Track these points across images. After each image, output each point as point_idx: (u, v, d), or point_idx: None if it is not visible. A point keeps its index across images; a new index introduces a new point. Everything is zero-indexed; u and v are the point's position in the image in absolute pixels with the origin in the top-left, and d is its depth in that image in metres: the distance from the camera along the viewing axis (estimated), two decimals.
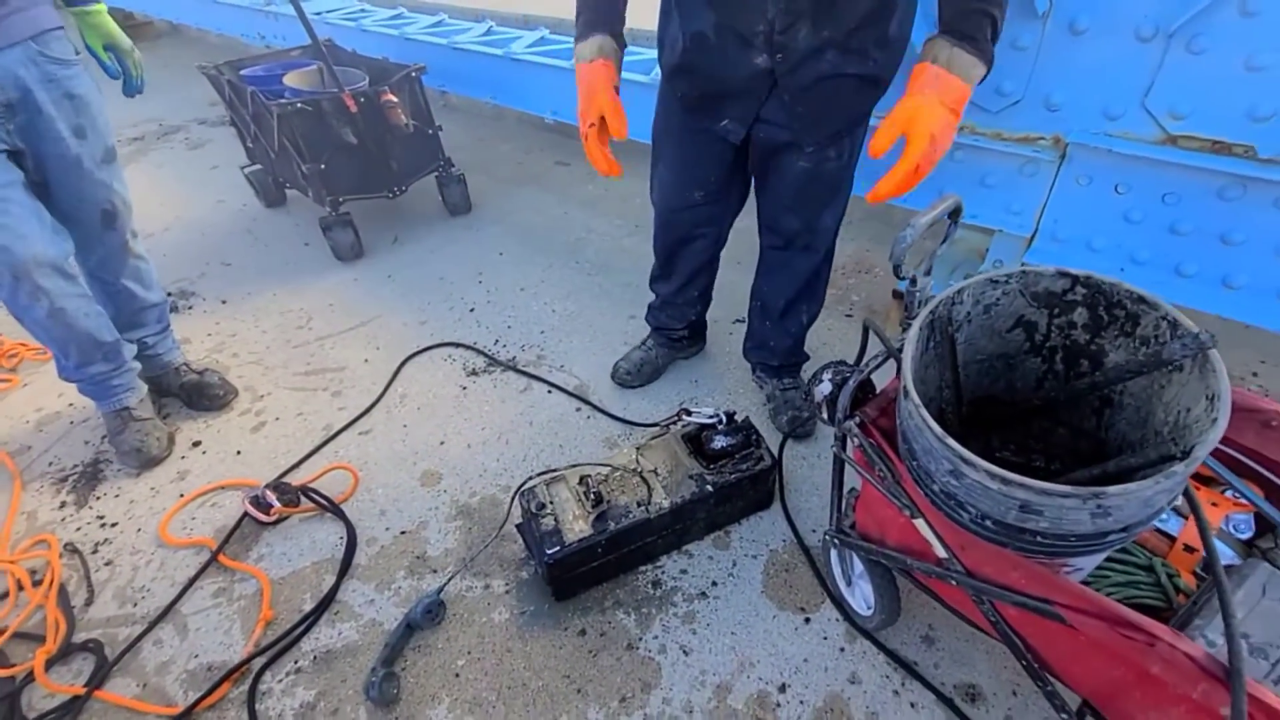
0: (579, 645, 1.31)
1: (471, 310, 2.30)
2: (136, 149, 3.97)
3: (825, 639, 1.28)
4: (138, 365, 1.84)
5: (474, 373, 2.02)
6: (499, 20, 3.11)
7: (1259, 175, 1.26)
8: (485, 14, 3.24)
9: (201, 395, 1.94)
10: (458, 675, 1.28)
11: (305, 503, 1.63)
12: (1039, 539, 0.75)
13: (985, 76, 1.08)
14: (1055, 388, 0.92)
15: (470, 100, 4.04)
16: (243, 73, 2.69)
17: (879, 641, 1.25)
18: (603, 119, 1.27)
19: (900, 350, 0.85)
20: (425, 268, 2.55)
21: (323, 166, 2.40)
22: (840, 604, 1.32)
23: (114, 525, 1.65)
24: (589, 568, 1.34)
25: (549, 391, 1.92)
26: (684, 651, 1.28)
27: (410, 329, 2.23)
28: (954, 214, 0.98)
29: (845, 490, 1.17)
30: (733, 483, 1.39)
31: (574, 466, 1.43)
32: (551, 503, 1.37)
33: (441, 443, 1.79)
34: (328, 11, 3.47)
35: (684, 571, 1.42)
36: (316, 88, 2.59)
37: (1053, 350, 0.91)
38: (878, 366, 0.99)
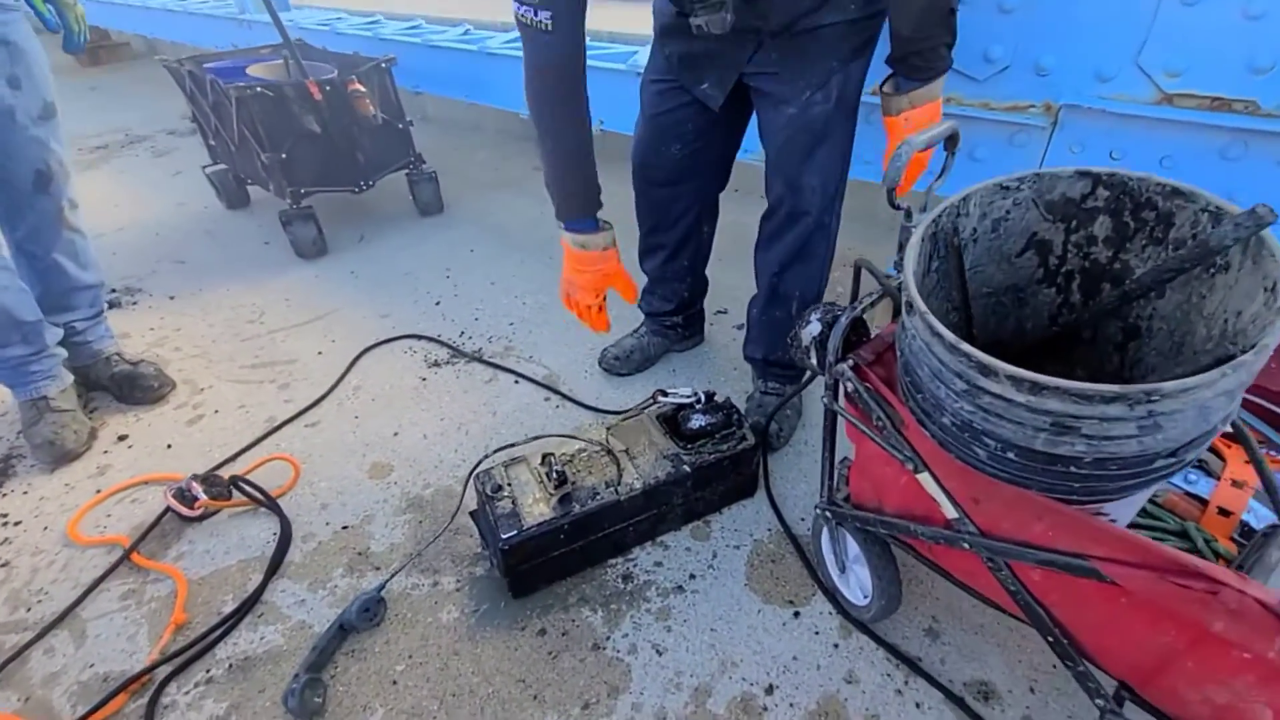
0: (537, 646, 1.14)
1: (437, 304, 2.16)
2: (99, 156, 3.84)
3: (817, 634, 1.13)
4: (62, 352, 1.68)
5: (435, 364, 1.87)
6: (476, 25, 3.08)
7: (1262, 128, 1.20)
8: (464, 21, 3.20)
9: (134, 387, 1.77)
10: (395, 682, 1.11)
11: (237, 496, 1.45)
12: (1072, 471, 0.63)
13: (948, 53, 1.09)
14: (1072, 318, 0.81)
15: (448, 110, 4.00)
16: (205, 66, 2.59)
17: (877, 635, 1.11)
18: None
19: (899, 286, 0.74)
20: (391, 264, 2.43)
21: (284, 156, 2.28)
22: (833, 595, 1.18)
23: (18, 524, 1.46)
24: (550, 558, 1.18)
25: (515, 382, 1.78)
26: (657, 651, 1.12)
27: (370, 322, 2.09)
28: (951, 142, 0.89)
29: (838, 460, 1.04)
30: (712, 463, 1.26)
31: (536, 439, 1.29)
32: (510, 484, 1.22)
33: (395, 434, 1.64)
34: (302, 19, 3.42)
35: (658, 564, 1.27)
36: (281, 79, 2.50)
37: (1069, 276, 0.80)
38: (872, 305, 0.88)
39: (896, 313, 0.95)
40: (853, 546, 1.08)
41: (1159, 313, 0.74)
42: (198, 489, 1.41)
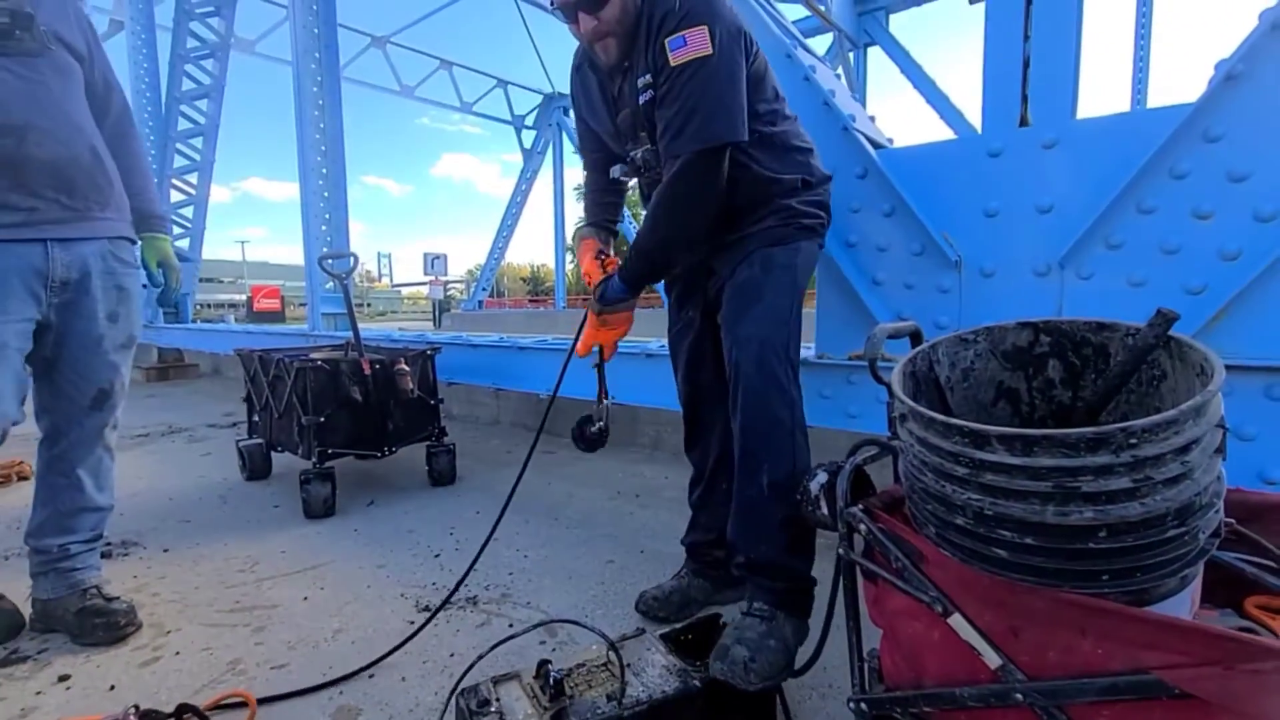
0: None
1: (436, 556, 2.12)
2: (138, 442, 4.12)
3: None
4: None
5: (426, 609, 1.76)
6: (507, 336, 3.65)
7: None
8: (498, 333, 3.81)
9: (99, 624, 1.63)
10: None
11: None
12: (1091, 548, 0.63)
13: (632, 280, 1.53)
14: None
15: (470, 409, 4.42)
16: (273, 352, 3.02)
17: None
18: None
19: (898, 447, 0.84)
20: (395, 523, 2.44)
21: (322, 420, 2.50)
22: None
23: None
24: None
25: (509, 625, 1.65)
26: None
27: (365, 572, 2.01)
28: (915, 337, 1.07)
29: (865, 651, 0.96)
30: (724, 682, 1.12)
31: (536, 625, 1.17)
32: (498, 700, 1.08)
33: (371, 676, 1.46)
34: (368, 334, 4.08)
35: None
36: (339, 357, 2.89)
37: (1042, 421, 0.89)
38: (872, 459, 0.94)
39: (897, 476, 1.00)
40: None
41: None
42: None
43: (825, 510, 0.92)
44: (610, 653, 1.18)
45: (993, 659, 0.74)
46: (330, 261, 2.94)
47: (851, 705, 0.92)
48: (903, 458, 0.82)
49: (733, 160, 1.39)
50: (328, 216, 4.57)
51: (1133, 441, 0.58)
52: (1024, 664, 0.72)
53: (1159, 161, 1.47)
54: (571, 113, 1.76)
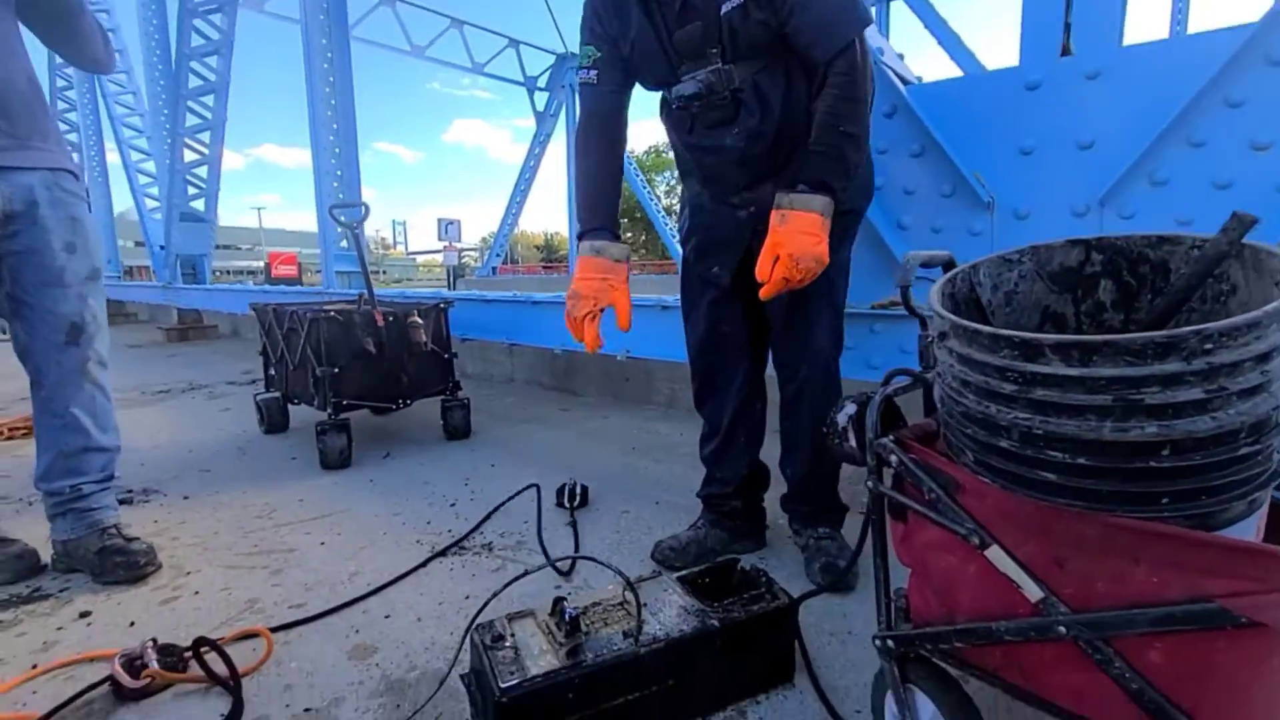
0: None
1: (452, 505, 2.11)
2: (159, 398, 4.17)
3: None
4: None
5: (441, 553, 1.76)
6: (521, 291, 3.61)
7: None
8: (513, 290, 3.77)
9: (120, 560, 1.64)
10: None
11: (194, 670, 1.25)
12: (1153, 468, 0.58)
13: (838, 192, 1.29)
14: None
15: (485, 368, 4.41)
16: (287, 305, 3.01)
17: None
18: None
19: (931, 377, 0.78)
20: (411, 474, 2.44)
21: (336, 371, 2.49)
22: None
23: None
24: None
25: (525, 571, 1.64)
26: None
27: (381, 519, 2.02)
28: (947, 267, 1.00)
29: (892, 590, 0.92)
30: (742, 623, 1.10)
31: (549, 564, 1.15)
32: (513, 635, 1.06)
33: (387, 616, 1.46)
34: (383, 293, 4.05)
35: None
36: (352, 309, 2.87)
37: None
38: (905, 389, 0.89)
39: (929, 409, 0.95)
40: (926, 709, 0.88)
41: None
42: (151, 655, 1.23)
43: (853, 443, 0.88)
44: (627, 592, 1.16)
45: (1034, 592, 0.70)
46: (341, 211, 2.89)
47: (877, 643, 0.89)
48: (939, 383, 0.77)
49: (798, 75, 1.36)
50: (339, 173, 4.52)
51: (1208, 347, 0.53)
52: (1068, 596, 0.67)
53: (1214, 89, 1.37)
54: (580, 50, 1.53)
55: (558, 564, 1.64)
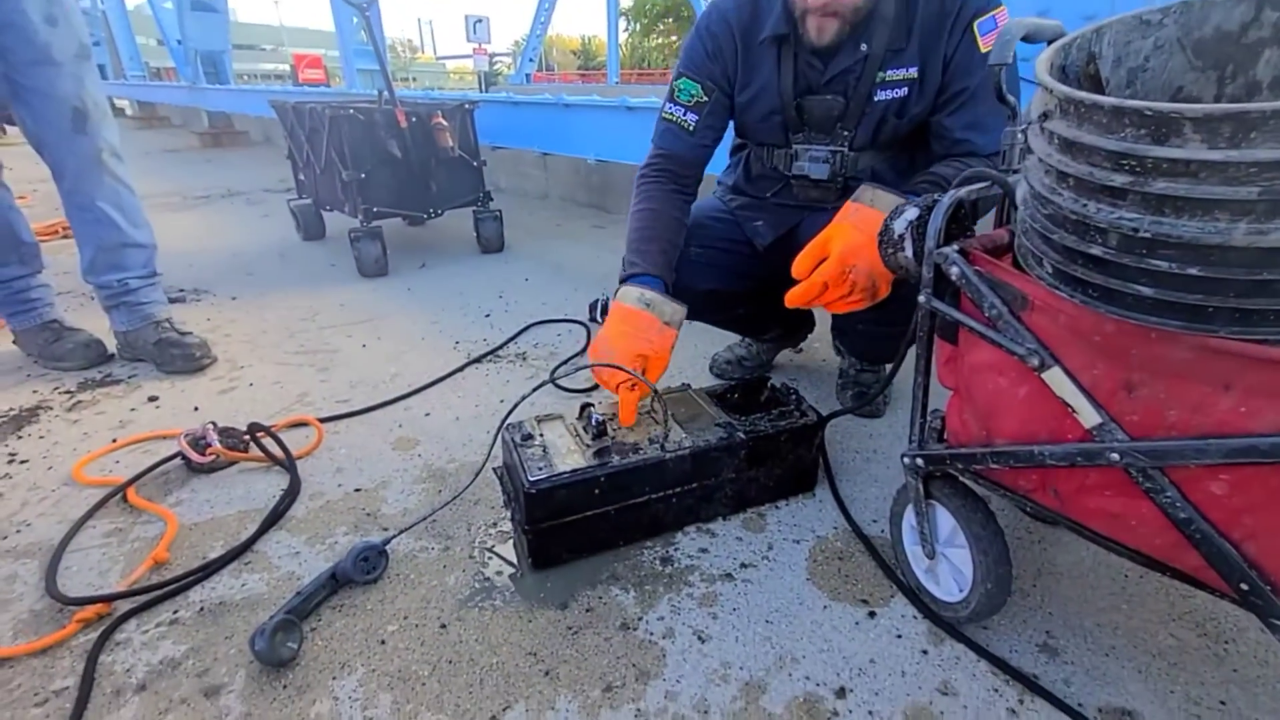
0: (555, 620, 0.95)
1: (487, 315, 2.13)
2: (199, 203, 4.18)
3: (899, 637, 0.91)
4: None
5: (477, 360, 1.80)
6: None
7: None
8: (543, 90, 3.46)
9: (177, 355, 1.74)
10: (384, 642, 0.92)
11: (253, 451, 1.35)
12: None
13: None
14: None
15: (519, 181, 4.23)
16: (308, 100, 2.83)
17: (978, 645, 0.88)
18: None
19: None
20: (446, 285, 2.44)
21: (363, 176, 2.40)
22: (917, 597, 0.96)
23: (24, 463, 1.38)
24: (580, 519, 1.02)
25: (558, 380, 1.68)
26: (700, 638, 0.92)
27: (419, 325, 2.06)
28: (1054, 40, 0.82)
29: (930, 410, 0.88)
30: (768, 436, 1.10)
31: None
32: (542, 435, 1.09)
33: (427, 415, 1.53)
34: (407, 93, 3.78)
35: (704, 550, 1.08)
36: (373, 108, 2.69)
37: None
38: (983, 191, 0.77)
39: (1003, 220, 0.84)
40: (945, 523, 0.89)
41: None
42: (213, 436, 1.32)
43: (909, 252, 0.78)
44: (655, 402, 1.16)
45: (1090, 417, 0.64)
46: None
47: (906, 460, 0.87)
48: (1026, 179, 0.65)
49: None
50: None
51: None
52: (1129, 424, 0.62)
53: None
54: (677, 81, 1.25)
55: (583, 367, 1.66)
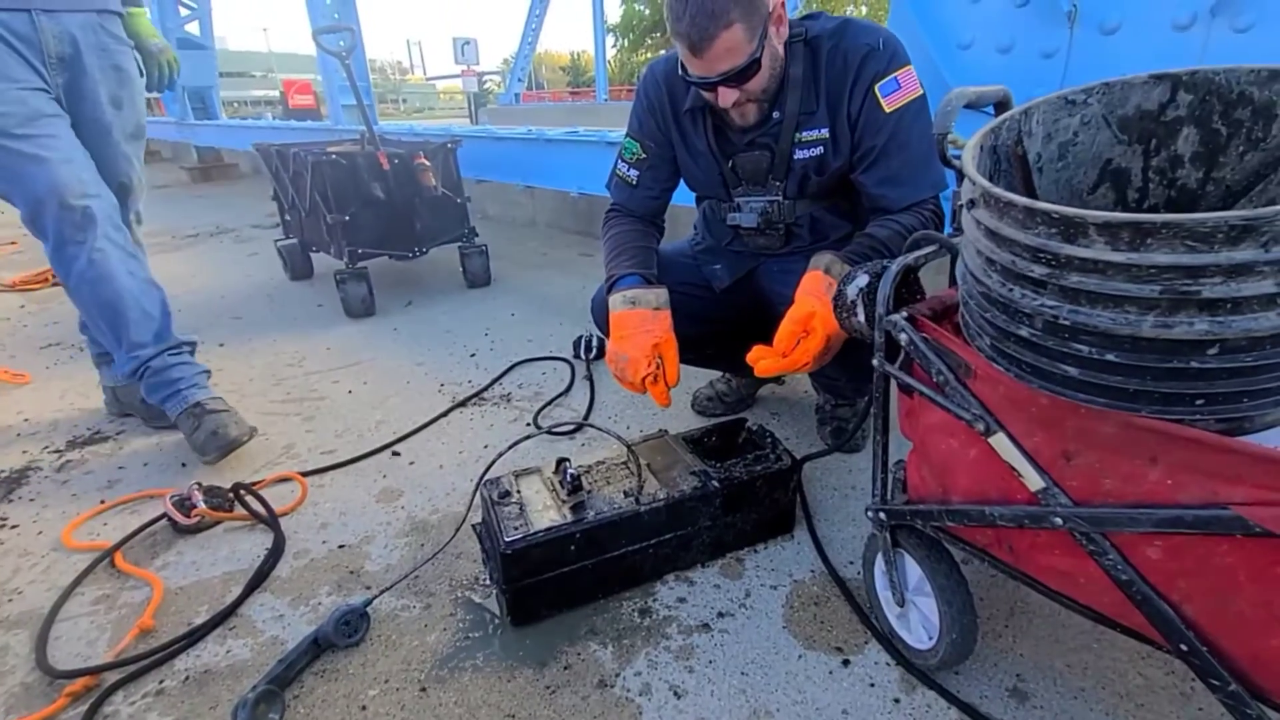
0: (533, 679, 0.96)
1: (472, 355, 2.15)
2: (188, 242, 4.20)
3: (872, 686, 0.92)
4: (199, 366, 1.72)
5: (461, 404, 1.82)
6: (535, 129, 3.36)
7: None
8: (527, 125, 3.51)
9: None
10: (364, 708, 0.94)
11: (238, 510, 1.37)
12: (1193, 368, 0.51)
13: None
14: None
15: (505, 210, 4.27)
16: (291, 148, 2.87)
17: (949, 692, 0.89)
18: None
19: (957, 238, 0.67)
20: (433, 324, 2.47)
21: (347, 218, 2.43)
22: (890, 641, 0.98)
23: (14, 528, 1.40)
24: (557, 575, 1.03)
25: (526, 435, 1.70)
26: (675, 694, 0.93)
27: (405, 369, 2.08)
28: (1001, 107, 0.85)
29: (892, 461, 0.91)
30: (744, 482, 1.12)
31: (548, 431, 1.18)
32: (519, 492, 1.11)
33: (411, 463, 1.55)
34: (389, 127, 3.82)
35: (681, 600, 1.10)
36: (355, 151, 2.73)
37: (1153, 211, 0.71)
38: (927, 259, 0.80)
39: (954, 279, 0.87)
40: (913, 572, 0.91)
41: None
42: (198, 497, 1.34)
43: (861, 317, 0.81)
44: (629, 453, 1.18)
45: (1035, 481, 0.66)
46: (326, 37, 2.62)
47: (870, 514, 0.89)
48: (964, 253, 0.67)
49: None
50: None
51: None
52: (1071, 489, 0.64)
53: None
54: (624, 140, 1.37)
55: (558, 428, 1.68)
